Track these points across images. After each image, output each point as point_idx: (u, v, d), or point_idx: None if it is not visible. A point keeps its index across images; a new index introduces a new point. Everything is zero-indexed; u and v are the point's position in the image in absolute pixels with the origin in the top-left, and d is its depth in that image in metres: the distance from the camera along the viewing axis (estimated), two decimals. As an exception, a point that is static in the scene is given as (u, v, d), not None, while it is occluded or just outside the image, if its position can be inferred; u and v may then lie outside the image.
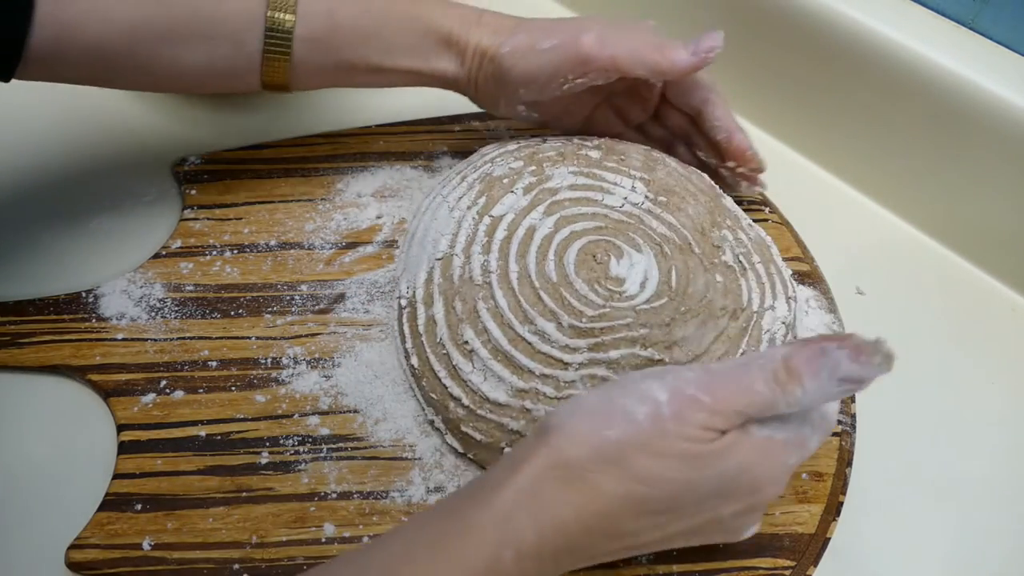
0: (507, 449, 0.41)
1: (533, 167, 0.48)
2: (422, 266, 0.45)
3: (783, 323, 0.45)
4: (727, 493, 0.34)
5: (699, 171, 0.51)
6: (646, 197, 0.47)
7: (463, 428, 0.42)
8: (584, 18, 0.48)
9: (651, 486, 0.33)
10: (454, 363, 0.42)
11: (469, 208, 0.46)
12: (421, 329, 0.44)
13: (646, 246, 0.45)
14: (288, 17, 0.46)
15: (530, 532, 0.32)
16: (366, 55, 0.48)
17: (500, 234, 0.45)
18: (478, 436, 0.41)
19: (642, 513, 0.33)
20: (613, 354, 0.41)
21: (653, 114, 0.53)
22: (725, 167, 0.51)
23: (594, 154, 0.49)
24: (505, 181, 0.47)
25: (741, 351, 0.43)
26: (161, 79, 0.47)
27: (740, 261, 0.46)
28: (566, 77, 0.47)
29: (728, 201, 0.50)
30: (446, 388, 0.42)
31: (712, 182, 0.50)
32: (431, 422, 0.44)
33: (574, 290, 0.43)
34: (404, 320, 0.45)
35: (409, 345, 0.44)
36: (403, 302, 0.46)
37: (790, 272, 0.48)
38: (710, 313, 0.43)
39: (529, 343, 0.41)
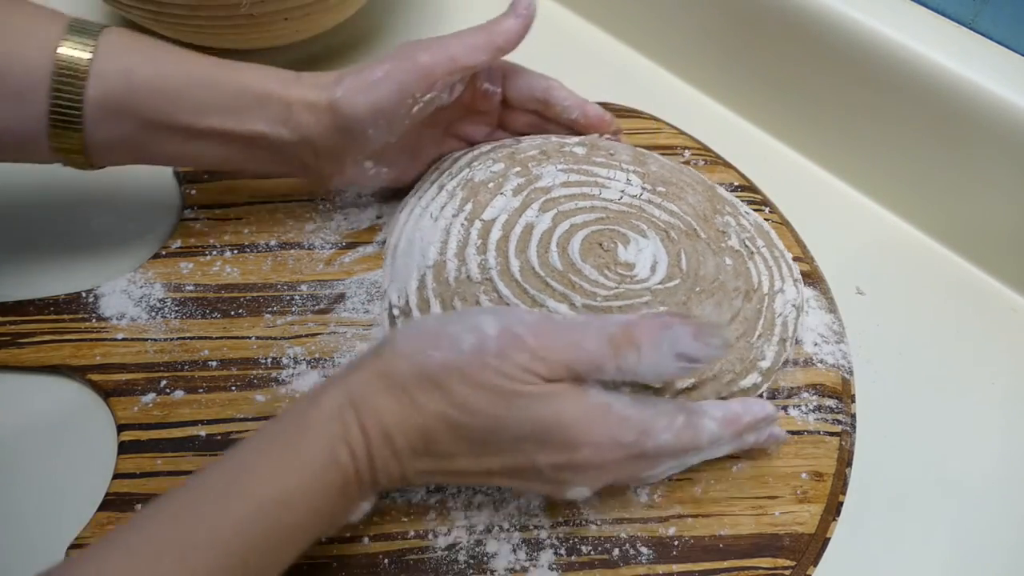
0: None
1: (518, 168, 0.47)
2: (412, 275, 0.44)
3: (794, 306, 0.45)
4: (541, 440, 0.35)
5: (685, 166, 0.51)
6: (643, 188, 0.47)
7: None
8: (400, 44, 0.46)
9: (464, 412, 0.34)
10: None
11: (455, 215, 0.45)
12: None
13: (651, 232, 0.45)
14: (79, 82, 0.41)
15: (357, 431, 0.34)
16: (171, 115, 0.43)
17: (495, 235, 0.44)
18: None
19: (458, 437, 0.34)
20: None
21: (498, 124, 0.52)
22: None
23: (579, 150, 0.49)
24: (490, 185, 0.46)
25: (758, 334, 0.43)
26: None
27: (746, 245, 0.46)
28: (413, 96, 0.44)
29: (722, 190, 0.50)
30: None
31: (703, 176, 0.51)
32: None
33: (584, 275, 0.42)
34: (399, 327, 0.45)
35: None
36: (395, 311, 0.44)
37: (791, 255, 0.48)
38: (724, 293, 0.43)
39: None
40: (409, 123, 0.46)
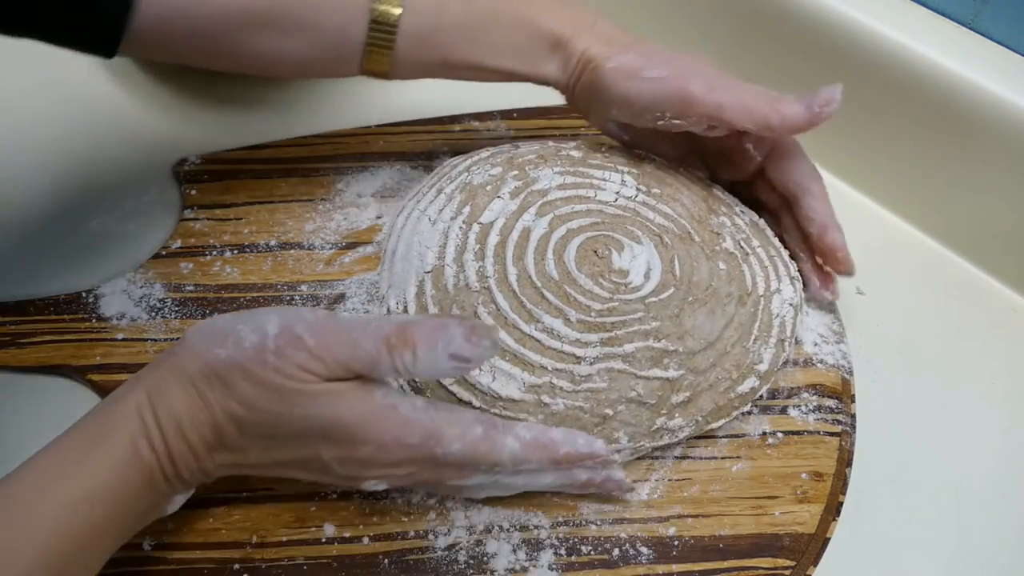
0: None
1: (515, 171, 0.47)
2: (410, 280, 0.44)
3: (791, 305, 0.45)
4: (325, 436, 0.35)
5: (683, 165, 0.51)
6: (638, 190, 0.47)
7: None
8: (697, 58, 0.46)
9: (247, 408, 0.35)
10: None
11: (453, 218, 0.45)
12: None
13: (645, 237, 0.45)
14: (394, 11, 0.45)
15: (154, 426, 0.35)
16: (471, 54, 0.47)
17: (493, 239, 0.44)
18: None
19: (244, 432, 0.35)
20: (628, 348, 0.41)
21: (749, 181, 0.50)
22: (807, 260, 0.48)
23: (576, 153, 0.49)
24: (488, 188, 0.47)
25: (753, 337, 0.43)
26: (261, 65, 0.47)
27: (741, 246, 0.46)
28: (663, 113, 0.45)
29: (718, 189, 0.50)
30: (453, 394, 0.41)
31: (701, 174, 0.50)
32: None
33: (578, 285, 0.42)
34: None
35: None
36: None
37: (787, 252, 0.48)
38: (717, 300, 0.43)
39: (538, 340, 0.41)
40: (653, 127, 0.47)
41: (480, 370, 0.41)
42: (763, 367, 0.43)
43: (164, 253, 0.50)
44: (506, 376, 0.40)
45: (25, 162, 0.55)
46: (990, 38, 0.51)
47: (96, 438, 0.35)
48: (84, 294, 0.48)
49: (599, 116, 0.49)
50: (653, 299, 0.42)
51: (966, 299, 0.53)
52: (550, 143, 0.50)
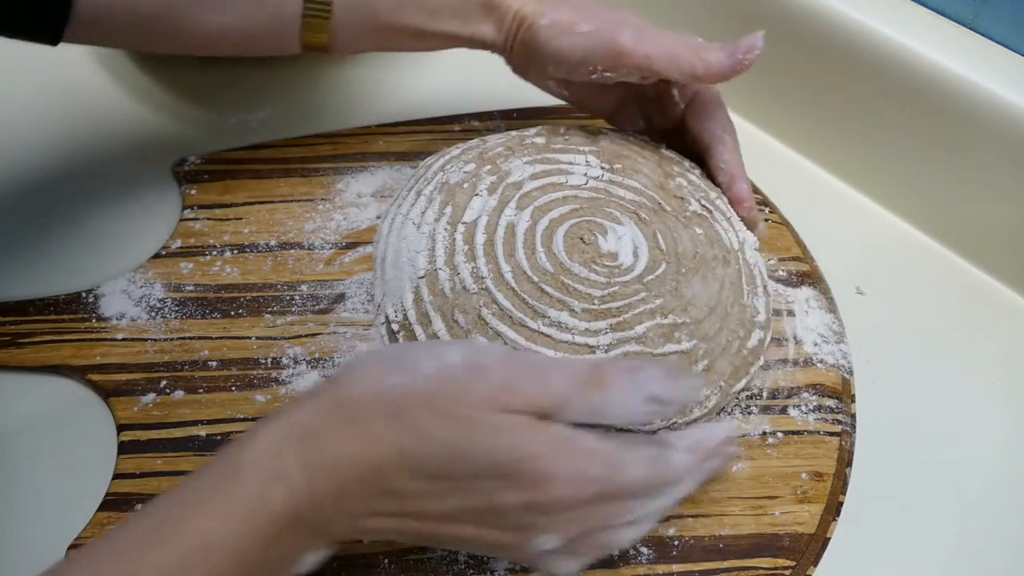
0: None
1: (488, 166, 0.48)
2: (405, 287, 0.44)
3: (755, 249, 0.47)
4: (505, 475, 0.32)
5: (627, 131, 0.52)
6: (603, 168, 0.48)
7: None
8: (625, 11, 0.47)
9: (422, 441, 0.31)
10: None
11: (437, 220, 0.45)
12: None
13: (624, 217, 0.45)
14: None
15: (298, 468, 0.31)
16: (408, 18, 0.47)
17: (480, 238, 0.44)
18: None
19: (416, 474, 0.32)
20: (639, 329, 0.41)
21: (675, 127, 0.51)
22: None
23: (539, 140, 0.49)
24: (465, 186, 0.47)
25: (746, 292, 0.44)
26: (201, 43, 0.47)
27: (704, 205, 0.47)
28: (595, 67, 0.46)
29: (666, 150, 0.50)
30: None
31: (646, 138, 0.51)
32: None
33: (574, 275, 0.42)
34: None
35: None
36: (394, 326, 0.44)
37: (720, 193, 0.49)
38: (706, 266, 0.43)
39: (548, 336, 0.41)
40: (588, 81, 0.47)
41: None
42: (761, 317, 0.44)
43: (164, 253, 0.50)
44: None
45: (25, 162, 0.55)
46: (990, 38, 0.51)
47: (220, 482, 0.31)
48: (84, 294, 0.48)
49: (538, 75, 0.49)
50: (650, 277, 0.43)
51: (966, 299, 0.53)
52: (513, 133, 0.50)
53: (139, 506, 0.41)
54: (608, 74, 0.46)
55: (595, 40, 0.46)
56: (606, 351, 0.40)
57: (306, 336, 0.47)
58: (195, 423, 0.43)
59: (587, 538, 0.33)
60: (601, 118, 0.53)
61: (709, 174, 0.50)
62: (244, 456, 0.32)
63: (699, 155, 0.50)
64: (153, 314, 0.48)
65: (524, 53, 0.48)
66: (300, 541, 0.32)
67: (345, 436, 0.32)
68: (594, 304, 0.41)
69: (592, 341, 0.40)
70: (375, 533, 0.33)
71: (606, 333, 0.41)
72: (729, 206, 0.48)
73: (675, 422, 0.41)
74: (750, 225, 0.48)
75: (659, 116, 0.52)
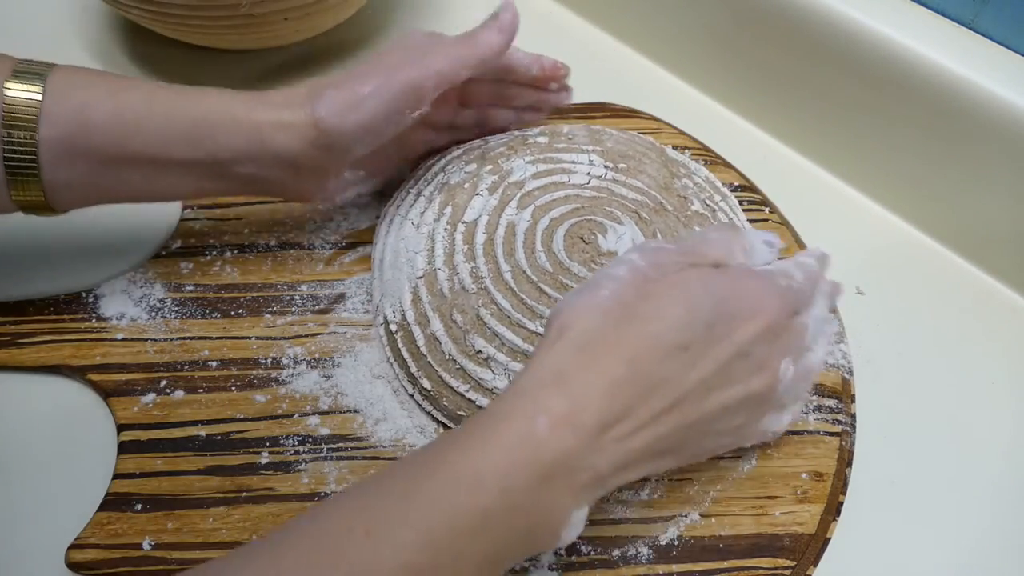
0: None
1: (490, 166, 0.48)
2: (404, 287, 0.44)
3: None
4: (730, 311, 0.35)
5: (634, 132, 0.52)
6: (606, 167, 0.48)
7: None
8: (383, 53, 0.45)
9: (657, 320, 0.34)
10: (473, 375, 0.42)
11: (437, 220, 0.45)
12: (424, 350, 0.43)
13: (625, 216, 0.45)
14: (29, 118, 0.40)
15: (559, 400, 0.32)
16: (132, 148, 0.42)
17: (480, 238, 0.44)
18: None
19: (664, 353, 0.33)
20: None
21: (459, 100, 0.52)
22: (540, 103, 0.53)
23: (542, 140, 0.50)
24: (466, 186, 0.47)
25: None
26: None
27: (707, 204, 0.47)
28: (403, 113, 0.44)
29: (671, 151, 0.51)
30: (472, 402, 0.41)
31: (652, 139, 0.52)
32: None
33: (573, 274, 0.42)
34: (400, 345, 0.44)
35: (415, 369, 0.43)
36: (393, 327, 0.44)
37: (731, 192, 0.51)
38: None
39: None
40: (397, 131, 0.46)
41: (494, 373, 0.41)
42: None
43: (164, 253, 0.50)
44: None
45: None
46: (990, 38, 0.51)
47: (484, 425, 0.32)
48: (84, 294, 0.48)
49: (338, 169, 0.46)
50: None
51: (966, 299, 0.53)
52: (515, 133, 0.50)
53: (139, 506, 0.41)
54: (416, 113, 0.45)
55: (385, 94, 0.44)
56: None
57: (306, 336, 0.47)
58: (195, 423, 0.44)
59: (800, 376, 0.38)
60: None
61: (516, 88, 0.51)
62: (502, 407, 0.32)
63: (496, 95, 0.52)
64: (153, 314, 0.48)
65: (316, 157, 0.44)
66: (569, 488, 0.32)
67: (589, 358, 0.33)
68: None
69: None
70: (641, 456, 0.33)
71: None
72: (733, 208, 0.48)
73: None
74: (565, 76, 0.52)
75: (444, 109, 0.51)
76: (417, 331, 0.43)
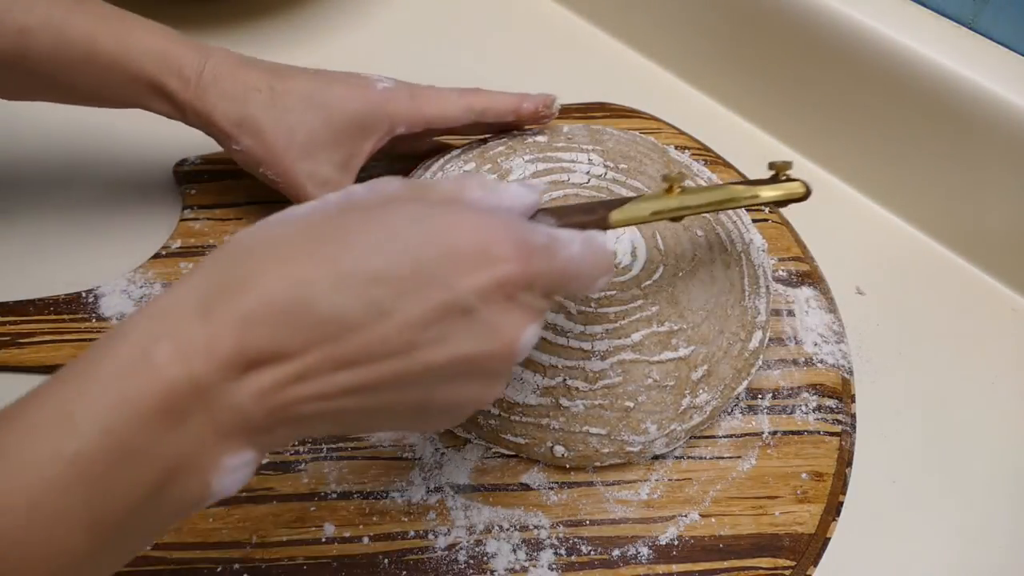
0: (555, 447, 0.41)
1: (488, 165, 0.48)
2: None
3: (763, 250, 0.47)
4: (444, 250, 0.28)
5: (636, 133, 0.52)
6: (606, 167, 0.48)
7: (503, 436, 0.41)
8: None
9: (339, 242, 0.27)
10: None
11: None
12: None
13: None
14: None
15: (194, 324, 0.25)
16: (68, 90, 0.44)
17: None
18: (521, 440, 0.41)
19: (342, 281, 0.26)
20: (635, 336, 0.41)
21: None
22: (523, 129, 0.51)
23: (541, 139, 0.50)
24: None
25: (747, 293, 0.44)
26: None
27: None
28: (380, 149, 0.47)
29: (673, 151, 0.51)
30: None
31: (654, 140, 0.51)
32: (466, 441, 0.43)
33: None
34: None
35: None
36: None
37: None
38: (704, 269, 0.44)
39: (544, 338, 0.41)
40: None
41: None
42: (762, 318, 0.44)
43: (164, 253, 0.50)
44: (518, 381, 0.40)
45: (26, 162, 0.55)
46: (990, 38, 0.51)
47: (97, 350, 0.25)
48: (84, 294, 0.48)
49: (318, 166, 0.47)
50: (647, 281, 0.43)
51: (966, 299, 0.53)
52: (515, 132, 0.50)
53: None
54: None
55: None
56: (602, 358, 0.40)
57: (306, 336, 0.47)
58: (195, 423, 0.43)
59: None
60: None
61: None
62: (120, 331, 0.26)
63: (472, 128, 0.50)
64: (153, 314, 0.48)
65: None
66: (210, 427, 0.25)
67: (245, 276, 0.26)
68: (590, 307, 0.41)
69: (587, 345, 0.41)
70: (320, 411, 0.27)
71: (602, 339, 0.41)
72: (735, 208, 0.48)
73: (673, 429, 0.41)
74: (549, 104, 0.49)
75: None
76: None
